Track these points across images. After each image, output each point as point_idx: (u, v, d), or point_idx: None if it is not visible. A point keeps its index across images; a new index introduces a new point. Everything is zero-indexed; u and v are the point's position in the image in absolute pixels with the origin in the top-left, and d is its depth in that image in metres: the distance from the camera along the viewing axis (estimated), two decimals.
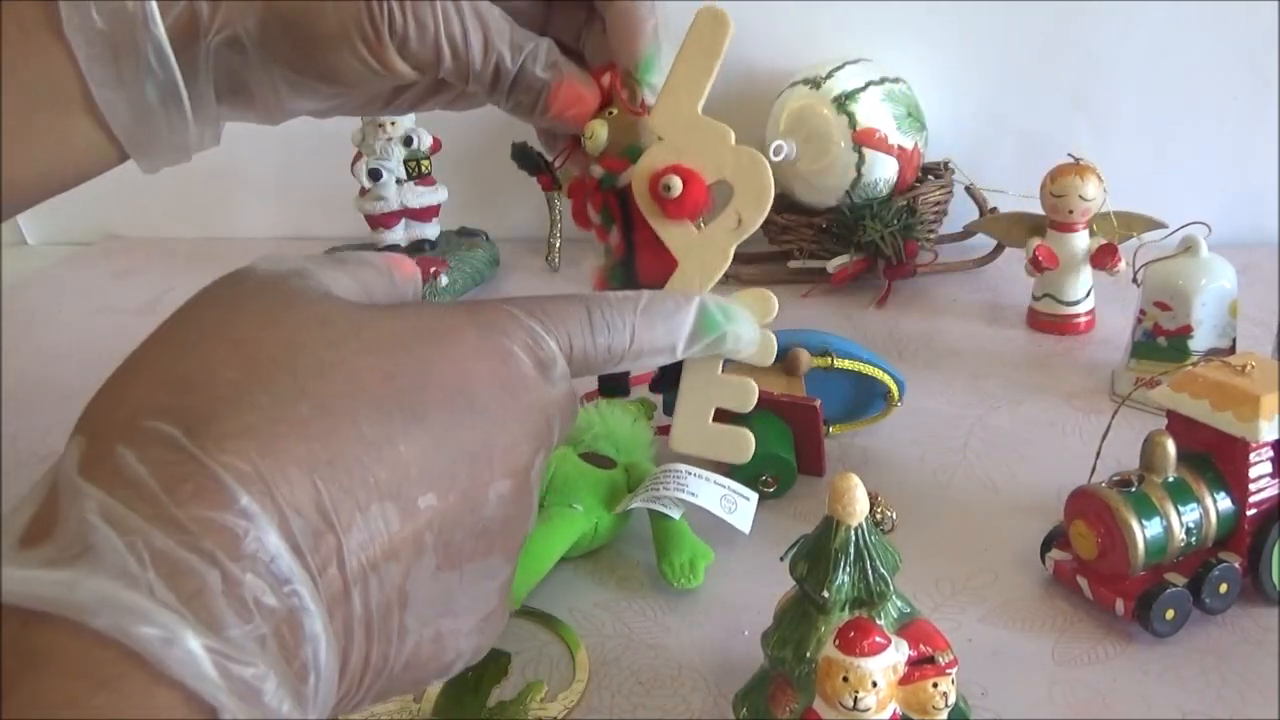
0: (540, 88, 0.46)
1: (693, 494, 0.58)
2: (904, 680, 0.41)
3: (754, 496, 0.59)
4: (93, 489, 0.28)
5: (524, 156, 0.59)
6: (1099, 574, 0.54)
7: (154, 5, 0.41)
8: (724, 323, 0.43)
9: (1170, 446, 0.53)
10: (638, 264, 0.48)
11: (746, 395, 0.46)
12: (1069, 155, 0.81)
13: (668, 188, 0.44)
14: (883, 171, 0.90)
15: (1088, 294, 0.83)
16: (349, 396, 0.32)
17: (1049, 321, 0.84)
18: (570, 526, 0.58)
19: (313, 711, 0.30)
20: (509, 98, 0.46)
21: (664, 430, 0.70)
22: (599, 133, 0.47)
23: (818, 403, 0.64)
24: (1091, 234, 0.82)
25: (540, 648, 0.54)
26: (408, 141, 0.92)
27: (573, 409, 0.39)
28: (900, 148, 0.90)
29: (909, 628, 0.44)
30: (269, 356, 0.32)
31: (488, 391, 0.35)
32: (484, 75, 0.44)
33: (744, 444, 0.46)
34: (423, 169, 0.94)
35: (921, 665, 0.42)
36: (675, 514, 0.58)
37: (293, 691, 0.29)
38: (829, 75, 0.90)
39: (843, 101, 0.89)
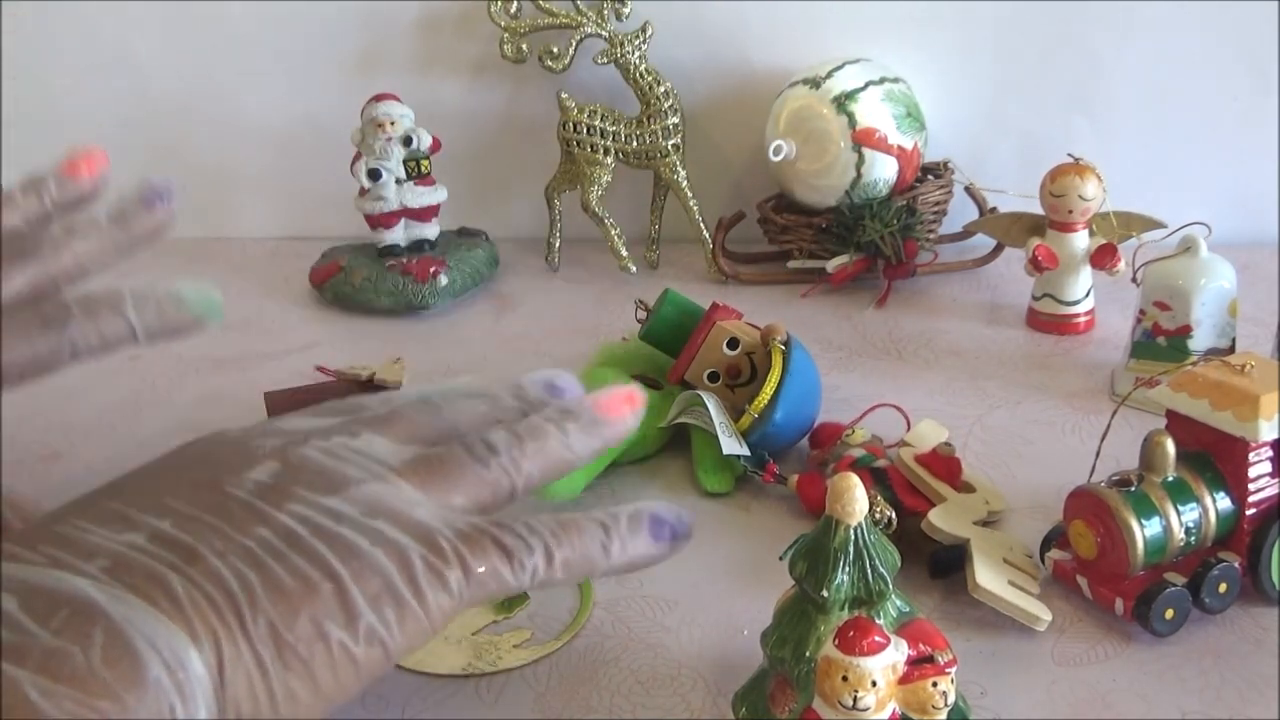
0: None
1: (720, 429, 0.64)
2: (903, 680, 0.41)
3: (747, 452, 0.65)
4: None
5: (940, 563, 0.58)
6: (1098, 573, 0.54)
7: None
8: None
9: (1170, 446, 0.53)
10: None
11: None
12: (1069, 155, 0.81)
13: None
14: (882, 171, 0.90)
15: (1087, 294, 0.83)
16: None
17: (1049, 321, 0.84)
18: None
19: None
20: None
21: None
22: None
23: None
24: (1091, 234, 0.82)
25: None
26: (407, 141, 0.92)
27: None
28: (900, 148, 0.90)
29: (908, 627, 0.44)
30: None
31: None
32: None
33: (1040, 613, 0.53)
34: (422, 169, 0.94)
35: (921, 664, 0.42)
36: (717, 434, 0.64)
37: None
38: (829, 75, 0.90)
39: (842, 101, 0.89)
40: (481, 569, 0.40)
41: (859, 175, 0.90)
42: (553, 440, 0.45)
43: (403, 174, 0.93)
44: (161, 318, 0.52)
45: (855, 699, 0.40)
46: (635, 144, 0.94)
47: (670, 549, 0.44)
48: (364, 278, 0.92)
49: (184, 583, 0.36)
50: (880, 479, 0.61)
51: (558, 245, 1.00)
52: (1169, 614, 0.52)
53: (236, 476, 0.41)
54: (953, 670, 0.42)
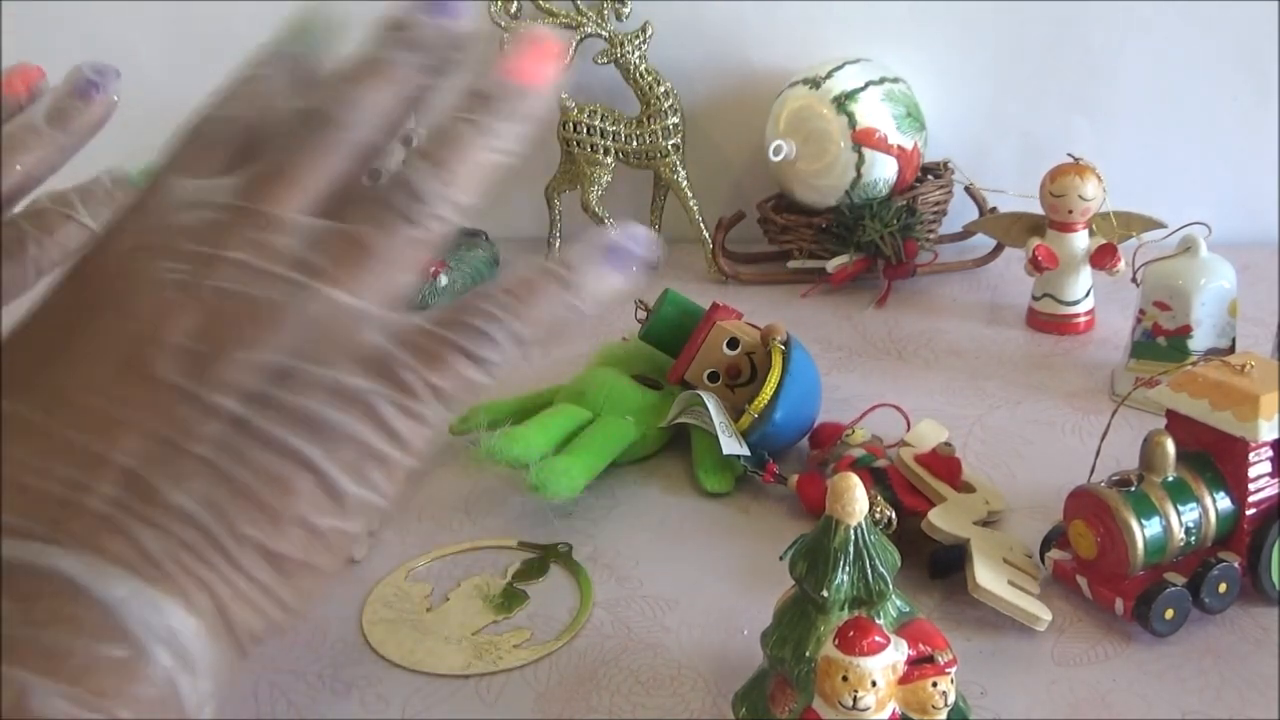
0: None
1: (720, 429, 0.65)
2: (903, 680, 0.41)
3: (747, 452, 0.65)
4: None
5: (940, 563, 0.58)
6: (1098, 573, 0.54)
7: None
8: None
9: (1170, 446, 0.53)
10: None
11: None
12: (1069, 155, 0.81)
13: None
14: (882, 171, 0.90)
15: (1087, 294, 0.83)
16: None
17: (1049, 321, 0.84)
18: (623, 432, 0.67)
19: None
20: None
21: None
22: None
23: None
24: (1091, 234, 0.82)
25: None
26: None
27: None
28: (900, 148, 0.90)
29: (908, 627, 0.44)
30: None
31: None
32: None
33: (1040, 613, 0.53)
34: None
35: (921, 664, 0.42)
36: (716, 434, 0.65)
37: None
38: (829, 75, 0.90)
39: (842, 101, 0.89)
40: (452, 386, 0.34)
41: (859, 175, 0.90)
42: (477, 148, 0.38)
43: None
44: (112, 203, 0.49)
45: (855, 699, 0.40)
46: (635, 144, 0.94)
47: (638, 272, 0.38)
48: None
49: (155, 535, 0.31)
50: (880, 479, 0.61)
51: (558, 245, 1.00)
52: (1169, 614, 0.52)
53: (155, 345, 0.33)
54: (953, 670, 0.42)
